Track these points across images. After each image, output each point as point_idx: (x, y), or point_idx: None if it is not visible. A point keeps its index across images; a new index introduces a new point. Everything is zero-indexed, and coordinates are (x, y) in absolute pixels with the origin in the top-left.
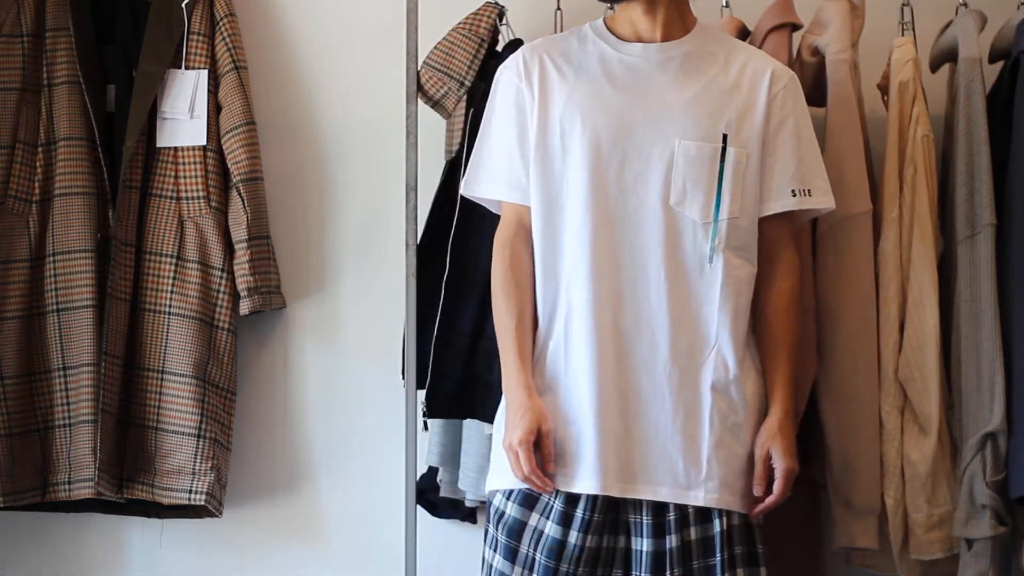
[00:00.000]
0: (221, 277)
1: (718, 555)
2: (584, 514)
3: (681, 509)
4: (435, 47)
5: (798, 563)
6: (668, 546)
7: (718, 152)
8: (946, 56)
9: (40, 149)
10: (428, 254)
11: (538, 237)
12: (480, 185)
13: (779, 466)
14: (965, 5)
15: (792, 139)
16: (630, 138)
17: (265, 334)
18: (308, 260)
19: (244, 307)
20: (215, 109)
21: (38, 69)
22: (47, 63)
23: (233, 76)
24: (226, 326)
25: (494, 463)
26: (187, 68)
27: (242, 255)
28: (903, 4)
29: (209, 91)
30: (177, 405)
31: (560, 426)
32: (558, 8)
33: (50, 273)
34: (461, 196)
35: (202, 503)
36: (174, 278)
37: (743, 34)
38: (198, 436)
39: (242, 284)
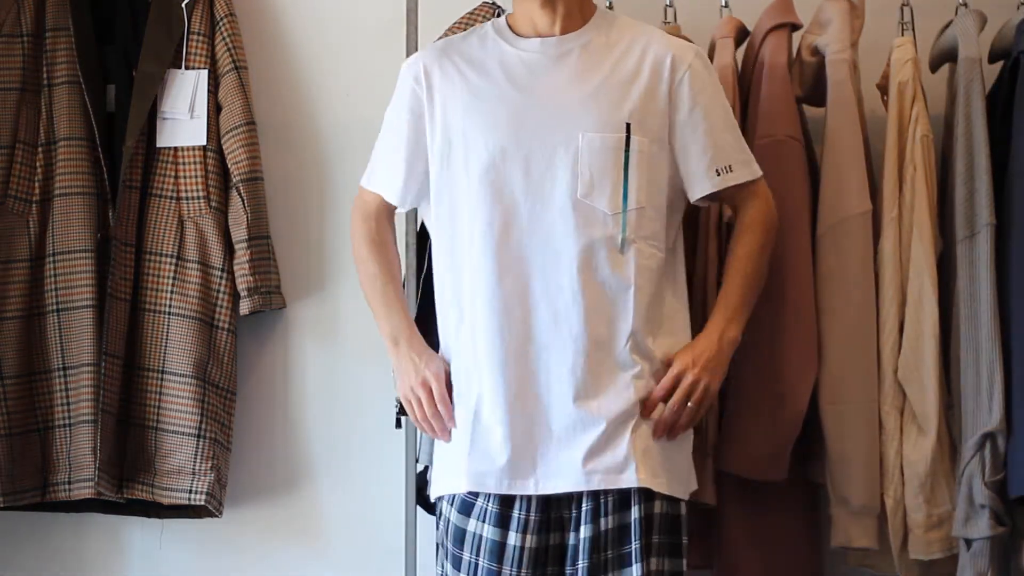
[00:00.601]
0: (221, 277)
1: (633, 542)
2: (520, 514)
3: (604, 495)
4: None
5: (798, 563)
6: (586, 534)
7: (622, 142)
8: (946, 56)
9: (40, 149)
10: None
11: (443, 248)
12: (370, 180)
13: (673, 368)
14: (965, 5)
15: (703, 122)
16: (533, 137)
17: (265, 334)
18: (308, 260)
19: (244, 307)
20: (215, 109)
21: (38, 69)
22: (47, 63)
23: (233, 76)
24: (226, 326)
25: (434, 469)
26: (187, 68)
27: (242, 255)
28: (903, 4)
29: (209, 91)
30: (177, 405)
31: (480, 432)
32: None
33: (50, 273)
34: None
35: (202, 503)
36: (174, 278)
37: (743, 34)
38: (198, 436)
39: (242, 284)
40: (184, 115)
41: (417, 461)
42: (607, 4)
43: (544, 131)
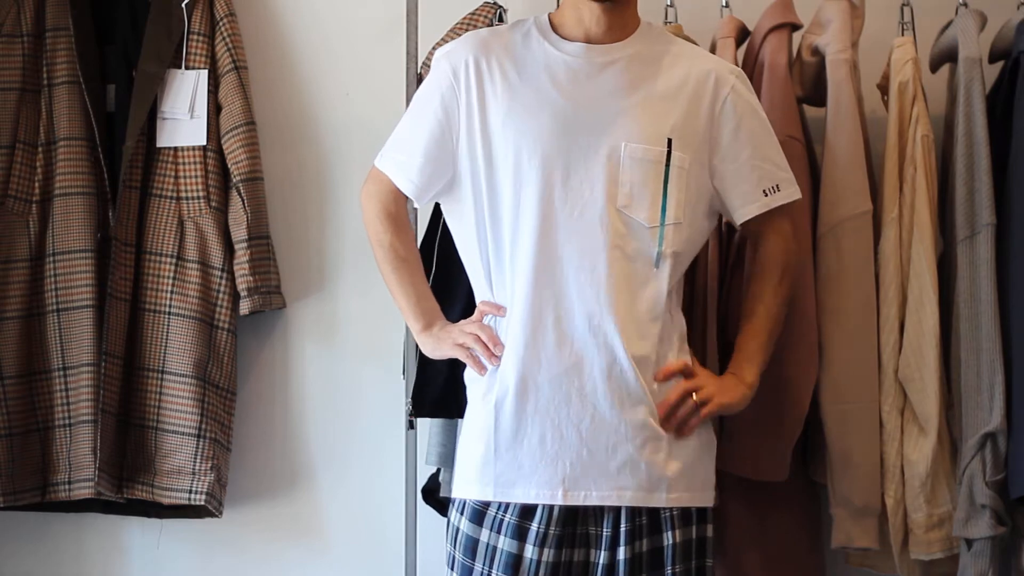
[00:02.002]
0: (221, 277)
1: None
2: (540, 527)
3: (638, 514)
4: (433, 47)
5: (799, 563)
6: (622, 556)
7: (663, 156)
8: (946, 56)
9: (40, 149)
10: (426, 255)
11: (485, 248)
12: (385, 162)
13: (694, 378)
14: (965, 5)
15: (750, 143)
16: (576, 143)
17: (265, 334)
18: (308, 260)
19: (244, 307)
20: (215, 109)
21: (38, 69)
22: (47, 63)
23: (233, 76)
24: (226, 326)
25: (457, 467)
26: (187, 68)
27: (242, 255)
28: (903, 4)
29: (209, 91)
30: (177, 405)
31: (504, 438)
32: (557, 7)
33: (50, 273)
34: None
35: (202, 503)
36: (174, 278)
37: (743, 34)
38: (198, 436)
39: (242, 284)
40: (184, 115)
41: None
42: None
43: (587, 139)
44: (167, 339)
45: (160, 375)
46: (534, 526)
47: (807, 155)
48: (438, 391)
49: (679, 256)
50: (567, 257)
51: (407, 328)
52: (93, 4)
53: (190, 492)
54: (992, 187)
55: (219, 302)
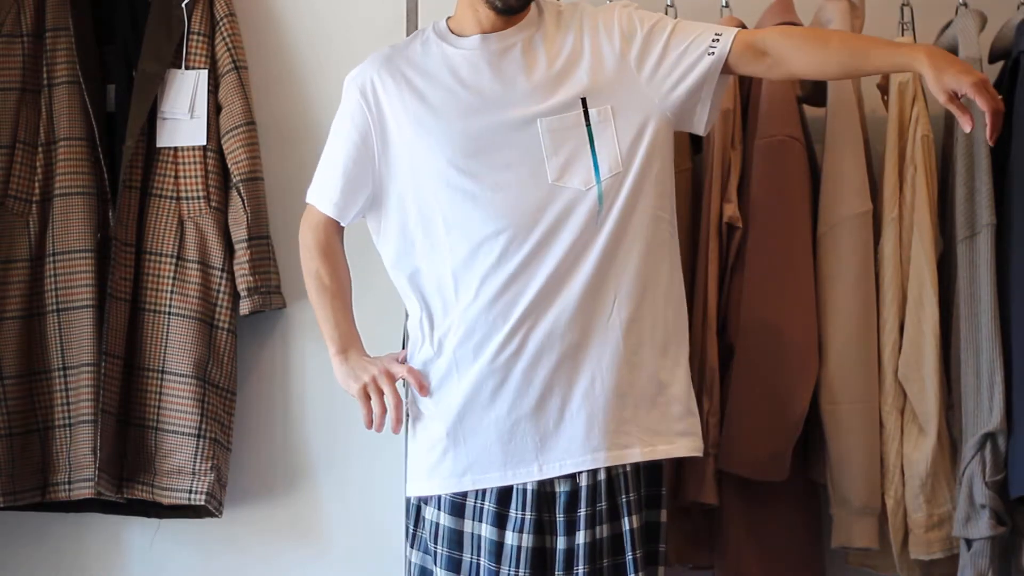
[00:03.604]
0: (221, 277)
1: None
2: (517, 513)
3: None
4: None
5: (799, 563)
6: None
7: (581, 118)
8: None
9: (40, 149)
10: None
11: (415, 252)
12: (312, 194)
13: (966, 85)
14: (965, 5)
15: (663, 34)
16: (492, 132)
17: (265, 334)
18: None
19: (244, 307)
20: (215, 109)
21: (38, 69)
22: (47, 63)
23: (233, 76)
24: (226, 326)
25: (408, 469)
26: (187, 68)
27: (242, 255)
28: (903, 4)
29: (209, 91)
30: (177, 405)
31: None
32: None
33: (50, 273)
34: None
35: (202, 503)
36: (174, 278)
37: None
38: (198, 436)
39: (242, 284)
40: (184, 115)
41: None
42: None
43: (501, 126)
44: (167, 339)
45: (160, 375)
46: (512, 513)
47: (807, 155)
48: None
49: (629, 200)
50: (517, 236)
51: (407, 328)
52: (93, 4)
53: (190, 492)
54: (992, 187)
55: (219, 302)
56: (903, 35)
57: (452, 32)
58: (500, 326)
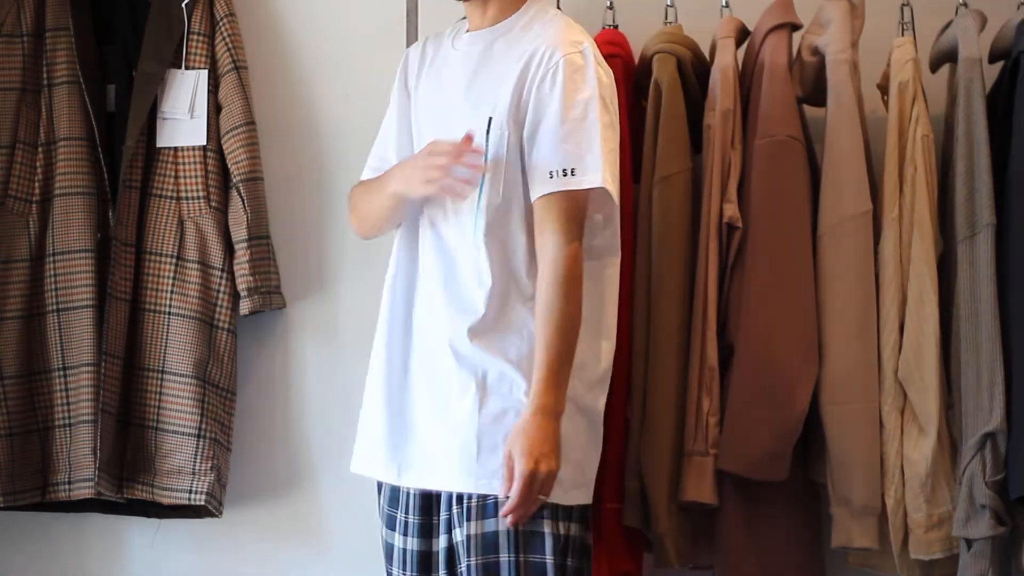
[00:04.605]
0: (221, 277)
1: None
2: (400, 515)
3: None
4: None
5: (799, 563)
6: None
7: (483, 138)
8: (946, 56)
9: (40, 149)
10: None
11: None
12: (364, 172)
13: (517, 468)
14: (965, 5)
15: (552, 120)
16: (436, 134)
17: (265, 334)
18: (308, 260)
19: (244, 307)
20: (215, 109)
21: (38, 69)
22: (47, 63)
23: (233, 76)
24: (226, 326)
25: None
26: (187, 68)
27: (242, 255)
28: (903, 4)
29: (209, 91)
30: (177, 405)
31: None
32: (557, 7)
33: (50, 273)
34: None
35: (202, 503)
36: (174, 278)
37: (743, 34)
38: (198, 436)
39: (242, 284)
40: (184, 115)
41: None
42: (607, 4)
43: (443, 127)
44: (167, 339)
45: (160, 375)
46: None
47: (807, 155)
48: None
49: (504, 236)
50: (418, 246)
51: None
52: (93, 4)
53: (190, 492)
54: (992, 187)
55: (219, 302)
56: (903, 35)
57: (468, 29)
58: None
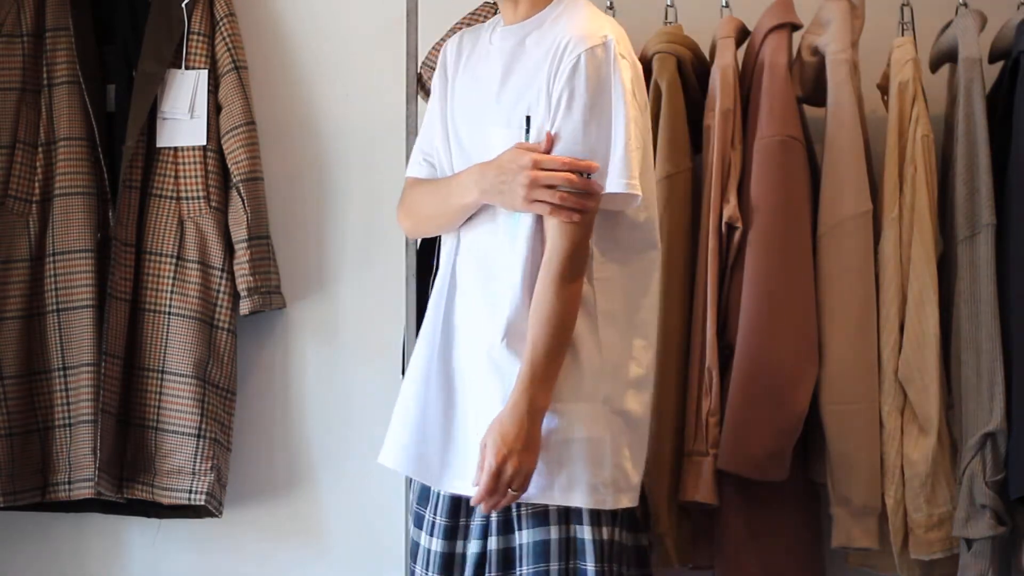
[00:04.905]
0: (221, 277)
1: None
2: (428, 516)
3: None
4: (433, 47)
5: (799, 563)
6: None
7: (519, 137)
8: (946, 56)
9: (40, 149)
10: (427, 255)
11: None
12: (409, 168)
13: (485, 461)
14: (965, 5)
15: (571, 117)
16: (470, 130)
17: (265, 334)
18: (308, 260)
19: (244, 307)
20: (215, 109)
21: (38, 69)
22: (47, 63)
23: (233, 76)
24: (226, 326)
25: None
26: (187, 68)
27: (242, 255)
28: (903, 4)
29: (209, 91)
30: (177, 405)
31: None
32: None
33: (50, 273)
34: None
35: (202, 503)
36: (174, 278)
37: (743, 34)
38: (198, 436)
39: (242, 284)
40: (184, 115)
41: None
42: (607, 5)
43: (477, 126)
44: (167, 339)
45: (160, 375)
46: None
47: (807, 155)
48: None
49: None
50: (465, 247)
51: (406, 328)
52: (93, 4)
53: (190, 492)
54: (992, 187)
55: (219, 302)
56: (903, 35)
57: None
58: None
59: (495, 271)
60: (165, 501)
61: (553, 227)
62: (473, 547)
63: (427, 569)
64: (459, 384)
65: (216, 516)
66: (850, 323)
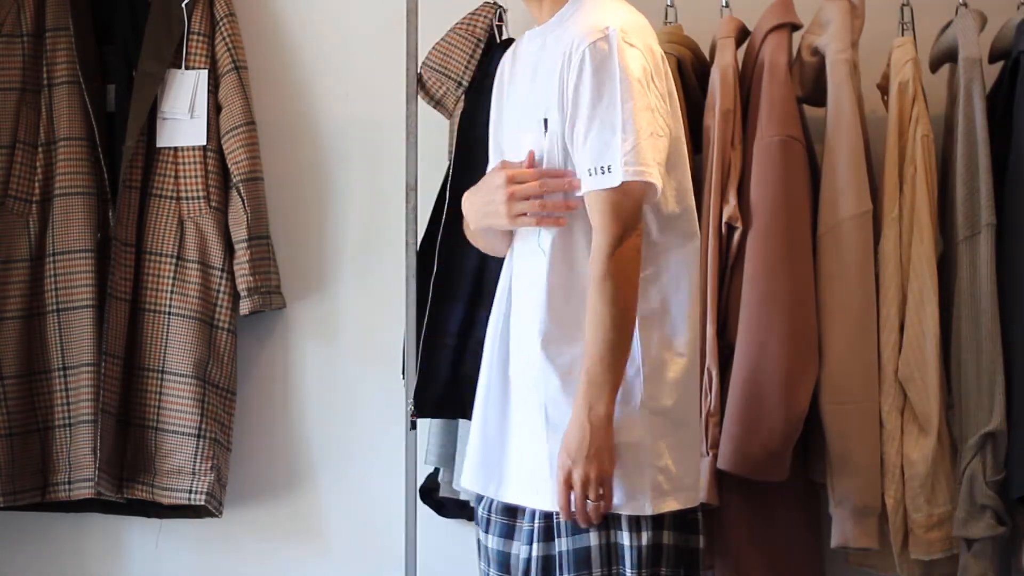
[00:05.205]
0: (221, 277)
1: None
2: (484, 513)
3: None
4: (433, 48)
5: (799, 563)
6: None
7: (540, 141)
8: (946, 56)
9: (40, 149)
10: (427, 256)
11: None
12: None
13: (557, 478)
14: (965, 5)
15: (584, 114)
16: (509, 138)
17: (265, 334)
18: (308, 260)
19: (244, 307)
20: (215, 109)
21: (38, 69)
22: (47, 63)
23: (233, 76)
24: (226, 326)
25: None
26: (187, 68)
27: (242, 255)
28: (903, 4)
29: (209, 91)
30: (177, 405)
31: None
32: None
33: (50, 273)
34: (450, 197)
35: (202, 503)
36: (174, 278)
37: (743, 34)
38: (198, 436)
39: (242, 284)
40: (184, 115)
41: (427, 463)
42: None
43: (512, 133)
44: (167, 339)
45: (160, 375)
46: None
47: (807, 155)
48: (440, 391)
49: (561, 236)
50: (510, 252)
51: (406, 328)
52: (93, 4)
53: (190, 492)
54: (992, 187)
55: (219, 302)
56: (903, 35)
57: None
58: None
59: (528, 278)
60: (165, 501)
61: (594, 233)
62: (522, 552)
63: (489, 565)
64: (513, 396)
65: (216, 516)
66: (850, 323)
